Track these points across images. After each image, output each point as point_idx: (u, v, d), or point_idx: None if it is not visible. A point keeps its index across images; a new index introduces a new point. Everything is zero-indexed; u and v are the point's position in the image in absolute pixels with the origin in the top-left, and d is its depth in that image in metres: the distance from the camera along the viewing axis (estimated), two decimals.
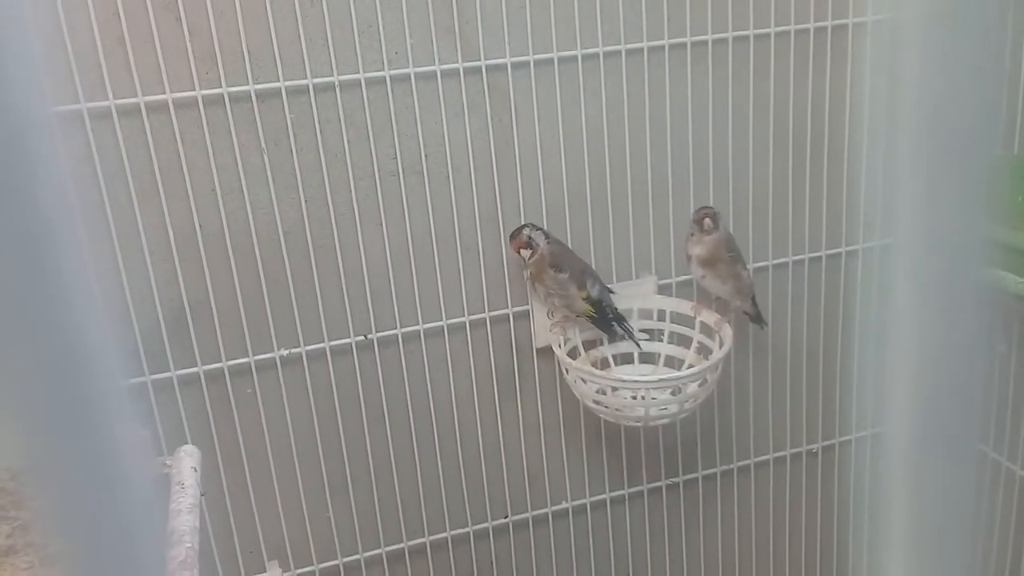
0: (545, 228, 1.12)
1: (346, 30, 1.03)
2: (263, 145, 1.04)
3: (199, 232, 1.04)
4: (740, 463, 1.38)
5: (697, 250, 1.13)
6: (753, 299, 1.18)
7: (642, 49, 1.13)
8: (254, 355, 1.10)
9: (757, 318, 1.20)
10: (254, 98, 1.02)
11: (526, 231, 1.09)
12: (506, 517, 1.30)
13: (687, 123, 1.18)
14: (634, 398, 1.09)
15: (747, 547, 1.44)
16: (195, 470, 0.81)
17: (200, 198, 1.03)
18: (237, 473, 1.14)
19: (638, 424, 1.15)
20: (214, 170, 1.03)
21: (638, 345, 1.18)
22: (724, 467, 1.37)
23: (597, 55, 1.12)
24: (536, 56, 1.10)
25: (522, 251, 1.10)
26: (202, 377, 1.09)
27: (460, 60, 1.08)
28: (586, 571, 1.37)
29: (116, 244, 1.01)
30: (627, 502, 1.35)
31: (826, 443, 1.40)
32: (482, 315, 1.18)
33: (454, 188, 1.12)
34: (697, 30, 1.14)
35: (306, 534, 1.20)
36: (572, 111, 1.13)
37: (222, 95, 1.01)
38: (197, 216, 1.04)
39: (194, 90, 1.00)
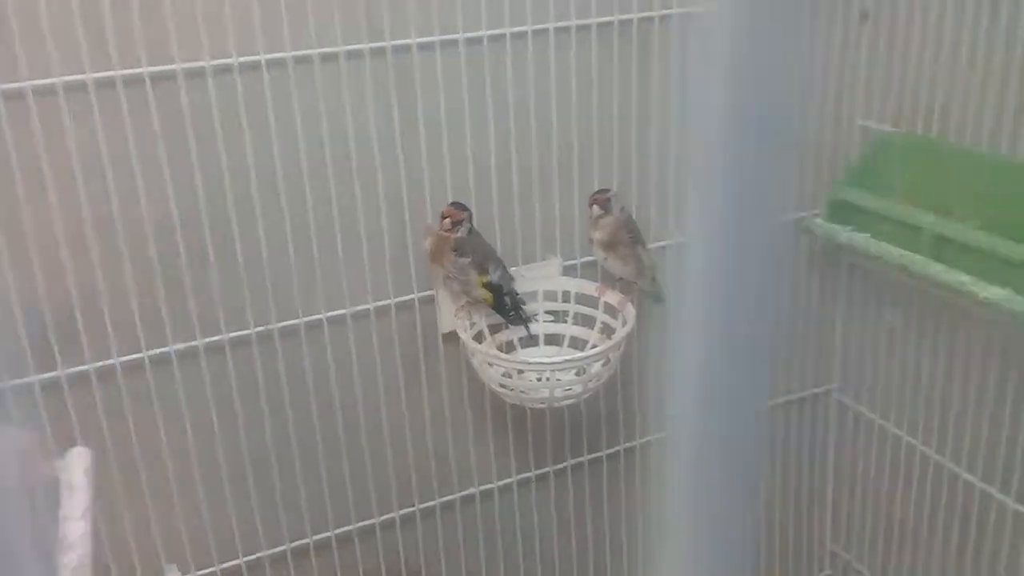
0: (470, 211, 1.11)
1: (248, 10, 0.98)
2: (156, 130, 0.99)
3: (88, 223, 0.98)
4: (643, 440, 1.40)
5: (597, 234, 1.14)
6: (654, 279, 1.20)
7: (548, 30, 1.13)
8: (147, 350, 1.05)
9: (659, 297, 1.22)
10: (148, 81, 0.97)
11: (451, 209, 1.09)
12: (413, 505, 1.28)
13: (591, 105, 1.18)
14: (539, 380, 1.09)
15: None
16: (86, 473, 0.77)
17: (89, 186, 0.97)
18: (131, 474, 1.09)
19: (543, 406, 1.15)
20: (104, 157, 0.97)
21: (528, 331, 1.18)
22: (627, 444, 1.39)
23: (504, 36, 1.11)
24: (442, 37, 1.08)
25: (444, 221, 1.09)
26: (92, 375, 1.03)
27: (366, 41, 1.05)
28: (493, 554, 1.37)
29: None
30: (534, 484, 1.36)
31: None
32: (387, 301, 1.16)
33: (356, 172, 1.09)
34: (603, 11, 1.15)
35: (205, 534, 1.16)
36: (478, 93, 1.12)
37: (113, 78, 0.95)
38: (87, 206, 0.98)
39: (84, 73, 0.94)
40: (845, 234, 1.22)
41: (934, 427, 1.35)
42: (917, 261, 1.13)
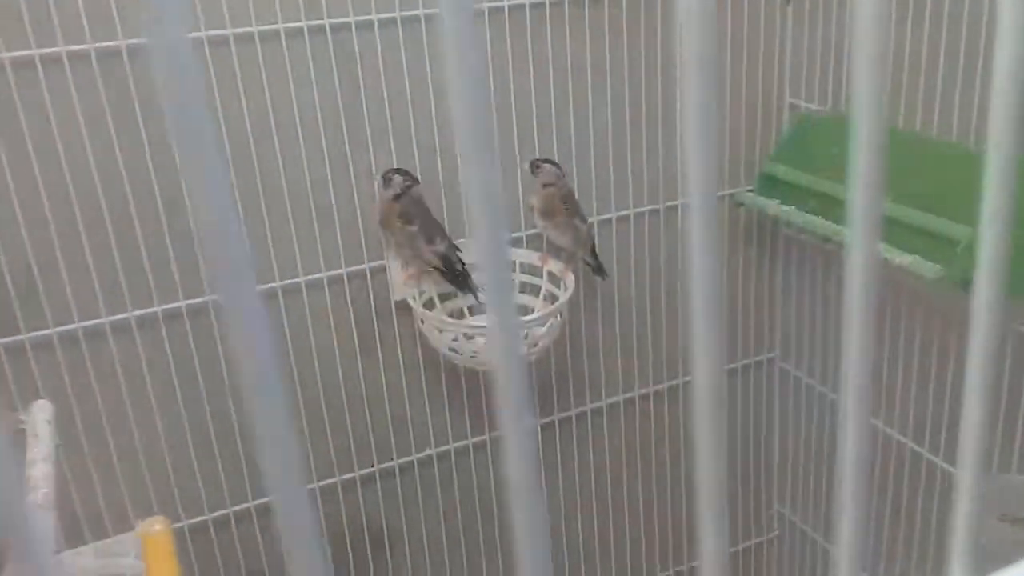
0: (417, 180, 1.18)
1: None
2: (105, 106, 1.05)
3: (43, 194, 1.05)
4: (592, 405, 1.48)
5: (535, 201, 1.21)
6: (593, 250, 1.27)
7: (484, 10, 1.19)
8: (108, 316, 1.12)
9: (599, 269, 1.29)
10: (94, 58, 1.03)
11: (397, 176, 1.15)
12: (372, 466, 1.35)
13: (529, 80, 1.24)
14: (485, 343, 1.16)
15: (603, 484, 1.55)
16: (49, 423, 0.83)
17: (41, 156, 1.04)
18: (97, 433, 1.16)
19: (491, 368, 1.22)
20: (53, 127, 1.03)
21: (478, 299, 1.25)
22: (578, 409, 1.47)
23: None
24: (379, 16, 1.14)
25: (392, 178, 1.15)
26: (55, 339, 1.10)
27: (305, 20, 1.11)
28: (453, 515, 1.44)
29: None
30: (488, 447, 1.43)
31: (668, 384, 1.52)
32: (339, 271, 1.23)
33: (304, 146, 1.15)
34: None
35: (172, 491, 1.23)
36: (417, 68, 1.18)
37: (60, 54, 1.01)
38: (40, 178, 1.04)
39: (30, 49, 1.00)
40: (774, 207, 1.29)
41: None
42: (838, 231, 1.20)
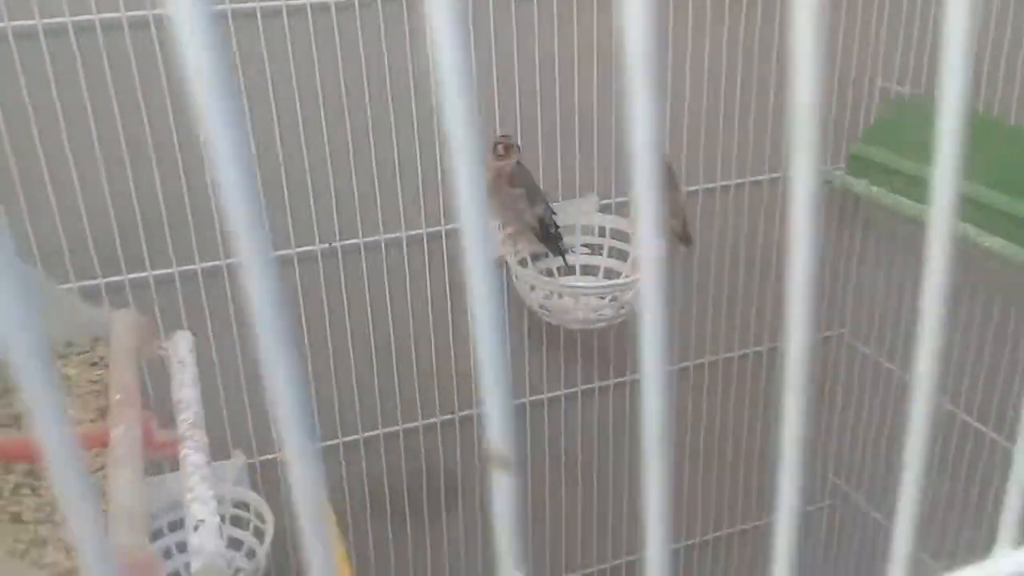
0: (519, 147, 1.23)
1: None
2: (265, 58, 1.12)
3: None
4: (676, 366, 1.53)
5: None
6: (685, 219, 1.31)
7: None
8: (227, 258, 1.19)
9: (686, 238, 1.33)
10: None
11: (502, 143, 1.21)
12: (453, 413, 1.42)
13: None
14: (576, 302, 1.22)
15: (681, 444, 1.60)
16: (191, 351, 0.91)
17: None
18: (207, 366, 1.24)
19: (578, 327, 1.28)
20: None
21: (566, 262, 1.30)
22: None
23: None
24: None
25: (497, 147, 1.20)
26: (199, 273, 1.18)
27: None
28: (523, 462, 1.51)
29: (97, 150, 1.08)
30: (563, 401, 1.50)
31: (750, 350, 1.57)
32: (439, 228, 1.29)
33: (393, 110, 1.21)
34: None
35: (268, 425, 1.31)
36: (526, 35, 1.23)
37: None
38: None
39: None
40: (863, 187, 1.32)
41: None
42: (925, 212, 1.23)
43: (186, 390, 0.84)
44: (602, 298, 1.23)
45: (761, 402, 1.61)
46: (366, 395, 1.35)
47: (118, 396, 0.76)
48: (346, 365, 1.32)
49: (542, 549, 1.59)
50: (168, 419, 0.83)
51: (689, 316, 1.50)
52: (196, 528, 0.69)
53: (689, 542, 1.69)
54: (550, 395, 1.48)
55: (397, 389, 1.36)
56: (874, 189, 1.31)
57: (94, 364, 0.88)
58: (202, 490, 0.72)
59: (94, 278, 1.14)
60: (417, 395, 1.38)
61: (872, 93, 1.42)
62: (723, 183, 1.41)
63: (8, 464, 0.75)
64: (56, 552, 0.67)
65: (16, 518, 0.71)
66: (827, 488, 1.77)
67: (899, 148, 1.31)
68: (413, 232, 1.28)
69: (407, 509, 1.46)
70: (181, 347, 0.92)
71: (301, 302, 1.26)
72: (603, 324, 1.26)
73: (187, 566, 0.79)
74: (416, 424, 1.40)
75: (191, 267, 1.18)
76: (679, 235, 1.33)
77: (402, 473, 1.43)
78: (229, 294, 1.21)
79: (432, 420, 1.41)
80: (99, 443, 0.76)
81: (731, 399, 1.61)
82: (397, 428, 1.39)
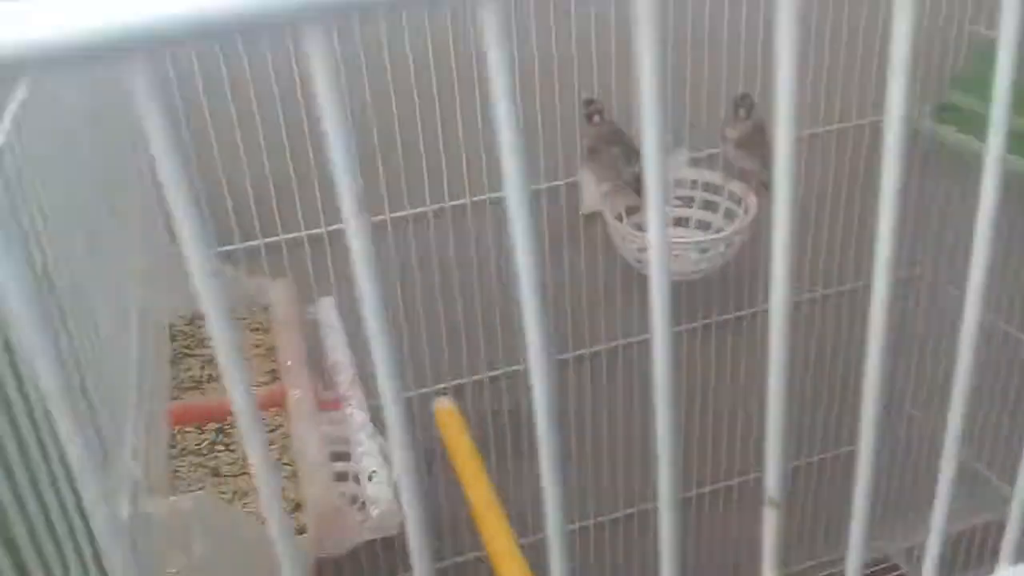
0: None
1: None
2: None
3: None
4: (752, 310, 1.60)
5: (733, 132, 1.30)
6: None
7: None
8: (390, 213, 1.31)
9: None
10: None
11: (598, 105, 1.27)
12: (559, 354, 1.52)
13: (704, 12, 1.33)
14: (675, 256, 1.30)
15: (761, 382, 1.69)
16: (339, 317, 1.01)
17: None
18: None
19: (674, 279, 1.36)
20: None
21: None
22: (751, 310, 1.59)
23: None
24: None
25: (594, 117, 1.27)
26: (326, 237, 1.28)
27: None
28: (612, 403, 1.61)
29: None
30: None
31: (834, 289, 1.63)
32: (538, 186, 1.37)
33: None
34: None
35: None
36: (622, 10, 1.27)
37: None
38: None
39: None
40: (951, 134, 1.35)
41: (1016, 308, 1.51)
42: (1015, 162, 1.26)
43: (339, 352, 0.95)
44: (704, 250, 1.30)
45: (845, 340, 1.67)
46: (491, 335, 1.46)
47: (289, 362, 0.87)
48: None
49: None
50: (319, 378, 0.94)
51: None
52: (370, 479, 0.80)
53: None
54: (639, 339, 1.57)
55: (499, 333, 1.46)
56: (961, 137, 1.34)
57: (255, 329, 0.99)
58: (371, 444, 0.83)
59: (231, 244, 1.25)
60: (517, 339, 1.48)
61: (961, 38, 1.44)
62: (812, 131, 1.45)
63: (200, 424, 0.87)
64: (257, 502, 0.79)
65: (215, 472, 0.82)
66: (904, 418, 1.84)
67: (988, 95, 1.33)
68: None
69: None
70: (328, 312, 1.02)
71: (412, 253, 1.35)
72: (698, 276, 1.34)
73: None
74: (517, 368, 1.51)
75: (318, 231, 1.28)
76: (766, 185, 1.39)
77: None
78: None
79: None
80: (274, 404, 0.88)
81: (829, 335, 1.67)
82: (499, 371, 1.50)
